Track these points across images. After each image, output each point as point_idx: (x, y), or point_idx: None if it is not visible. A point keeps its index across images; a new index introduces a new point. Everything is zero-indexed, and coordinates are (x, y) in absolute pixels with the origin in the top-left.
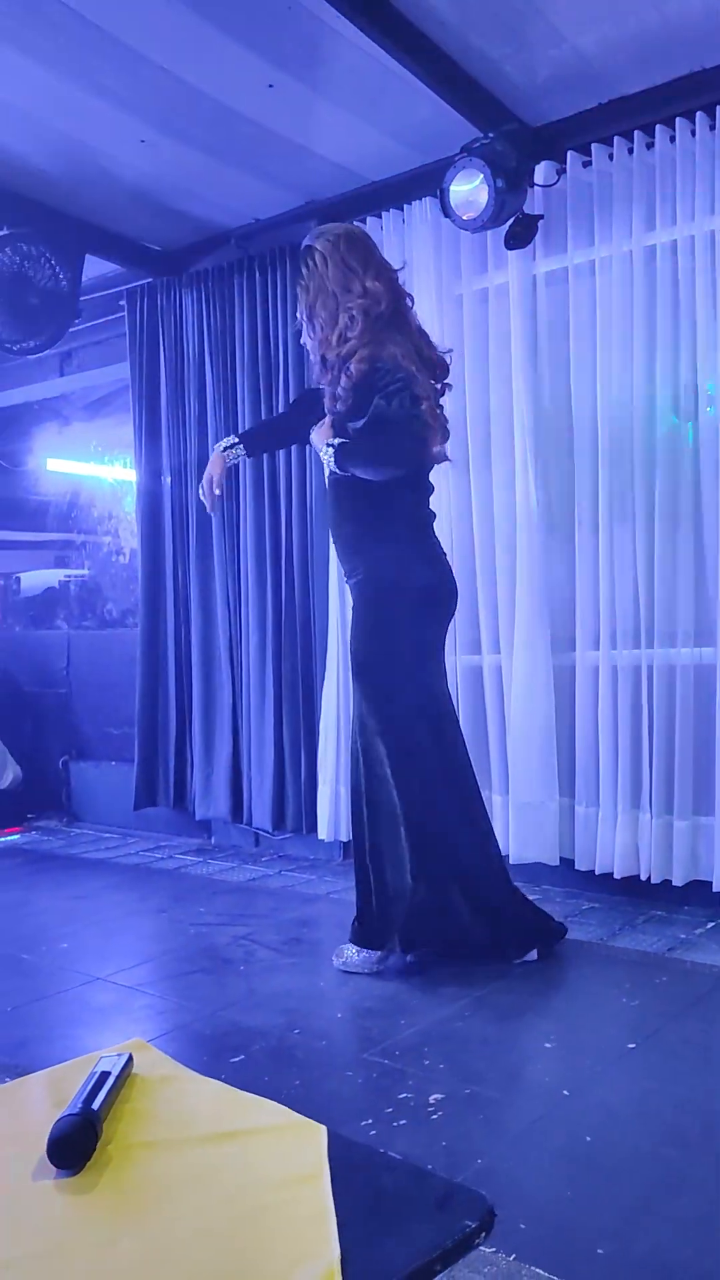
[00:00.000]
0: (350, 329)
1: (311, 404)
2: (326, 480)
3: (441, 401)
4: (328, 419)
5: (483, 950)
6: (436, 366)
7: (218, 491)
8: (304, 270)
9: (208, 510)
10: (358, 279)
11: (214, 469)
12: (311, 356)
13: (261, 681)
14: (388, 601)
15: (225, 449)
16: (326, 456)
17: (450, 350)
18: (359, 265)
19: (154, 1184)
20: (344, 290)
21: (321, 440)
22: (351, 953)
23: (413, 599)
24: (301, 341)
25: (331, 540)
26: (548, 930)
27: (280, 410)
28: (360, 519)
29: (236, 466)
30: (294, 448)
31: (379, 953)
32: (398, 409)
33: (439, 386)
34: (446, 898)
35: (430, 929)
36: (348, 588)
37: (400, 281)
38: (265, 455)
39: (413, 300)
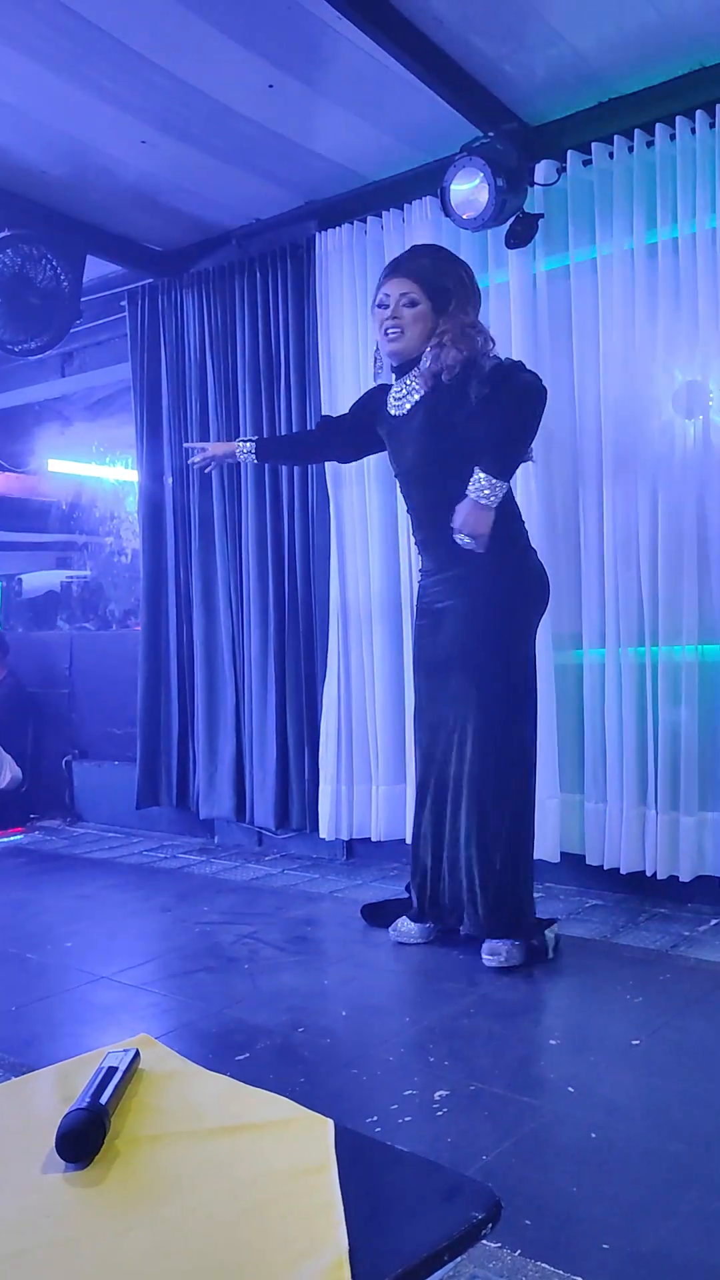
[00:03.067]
0: (470, 340)
1: (336, 431)
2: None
3: None
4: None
5: None
6: None
7: (204, 457)
8: (453, 283)
9: (191, 460)
10: (475, 318)
11: (219, 448)
12: (396, 344)
13: (264, 681)
14: (517, 594)
15: (241, 441)
16: (492, 489)
17: None
18: (475, 313)
19: (162, 1177)
20: (468, 318)
21: (481, 487)
22: (505, 948)
23: (537, 590)
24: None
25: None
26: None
27: (296, 420)
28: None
29: (237, 466)
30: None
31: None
32: (527, 372)
33: None
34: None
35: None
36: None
37: None
38: (270, 466)
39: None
